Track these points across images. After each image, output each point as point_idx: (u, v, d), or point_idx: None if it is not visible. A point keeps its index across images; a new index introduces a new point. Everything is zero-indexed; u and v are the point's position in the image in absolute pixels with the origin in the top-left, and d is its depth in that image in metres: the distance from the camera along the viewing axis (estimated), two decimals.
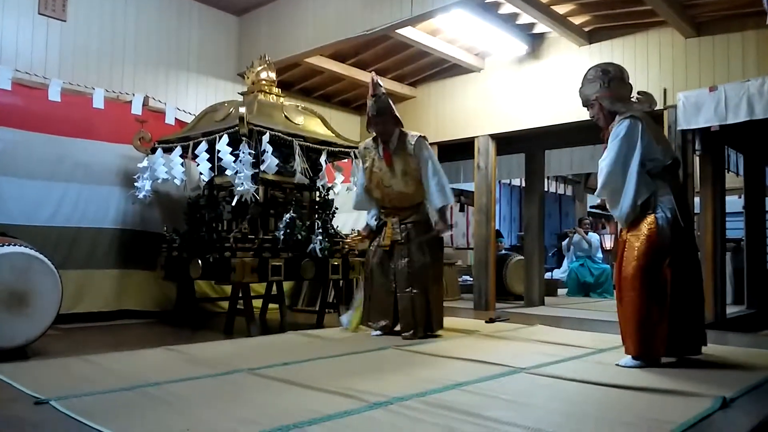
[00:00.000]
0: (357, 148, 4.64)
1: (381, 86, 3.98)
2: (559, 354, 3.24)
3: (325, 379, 2.49)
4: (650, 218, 2.94)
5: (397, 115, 4.00)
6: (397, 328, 3.96)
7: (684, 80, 4.95)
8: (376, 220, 4.17)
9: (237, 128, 3.92)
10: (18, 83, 4.45)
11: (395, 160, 3.96)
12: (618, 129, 3.02)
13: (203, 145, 4.15)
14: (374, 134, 4.06)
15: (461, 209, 10.58)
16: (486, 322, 4.89)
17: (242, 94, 4.76)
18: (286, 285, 5.45)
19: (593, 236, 9.28)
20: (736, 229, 7.53)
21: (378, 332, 3.98)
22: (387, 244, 3.97)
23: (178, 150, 4.36)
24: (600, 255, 9.17)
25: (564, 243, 9.75)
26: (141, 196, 4.49)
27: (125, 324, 4.56)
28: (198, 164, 4.20)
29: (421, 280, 3.88)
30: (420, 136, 4.00)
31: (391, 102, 3.98)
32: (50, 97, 4.54)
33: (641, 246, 2.92)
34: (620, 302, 3.01)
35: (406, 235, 3.94)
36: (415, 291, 3.86)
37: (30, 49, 4.74)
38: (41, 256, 3.09)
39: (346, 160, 4.85)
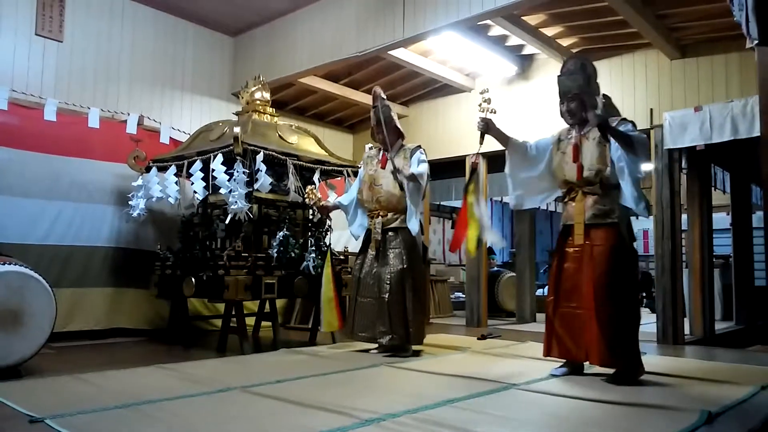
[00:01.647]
0: (350, 166, 4.71)
1: (383, 98, 4.09)
2: (550, 370, 3.27)
3: (318, 396, 2.52)
4: (616, 231, 3.04)
5: (399, 126, 4.12)
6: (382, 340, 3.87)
7: (670, 101, 5.06)
8: (346, 201, 4.23)
9: (231, 147, 3.97)
10: (14, 103, 4.50)
11: (390, 163, 4.04)
12: (629, 126, 3.05)
13: (198, 164, 4.19)
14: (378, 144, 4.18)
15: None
16: (478, 338, 4.92)
17: (237, 113, 4.82)
18: (279, 303, 5.47)
19: None
20: (724, 245, 7.63)
21: (375, 350, 3.98)
22: (373, 251, 4.02)
23: (173, 169, 4.40)
24: None
25: None
26: (135, 214, 4.53)
27: (118, 342, 4.56)
28: (192, 183, 4.25)
29: (396, 287, 3.85)
30: (418, 145, 4.10)
31: (392, 113, 4.10)
32: (46, 116, 4.59)
33: (620, 259, 3.00)
34: (593, 316, 2.96)
35: (386, 241, 3.97)
36: (391, 297, 3.85)
37: (26, 69, 4.80)
38: (36, 275, 3.10)
39: (339, 179, 4.91)
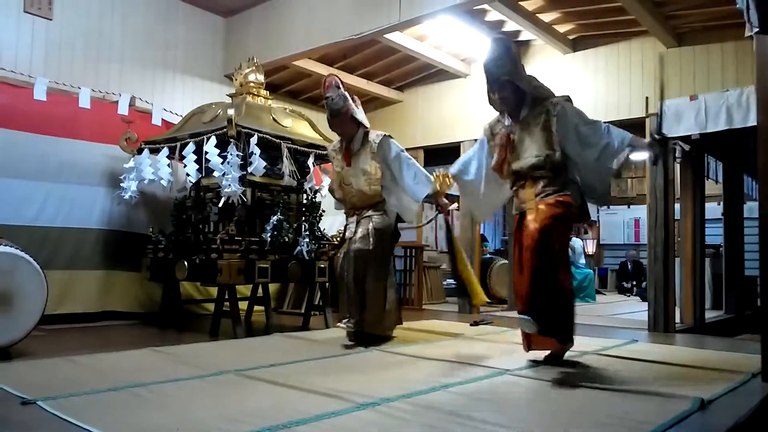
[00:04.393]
0: None
1: (338, 87, 3.73)
2: (542, 356, 3.28)
3: (312, 380, 2.52)
4: (567, 196, 3.02)
5: (356, 116, 3.76)
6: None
7: (665, 89, 5.05)
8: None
9: (225, 130, 3.92)
10: (2, 81, 4.42)
11: (356, 159, 3.79)
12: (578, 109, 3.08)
13: (191, 146, 4.15)
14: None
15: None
16: (470, 325, 4.91)
17: (230, 95, 4.76)
18: (272, 287, 5.45)
19: (576, 241, 9.37)
20: (715, 235, 7.67)
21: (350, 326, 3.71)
22: (345, 247, 3.78)
23: (165, 151, 4.35)
24: (583, 261, 9.26)
25: None
26: (127, 196, 4.48)
27: (109, 325, 4.53)
28: (185, 165, 4.20)
29: (357, 268, 3.62)
30: (384, 135, 3.82)
31: (349, 102, 3.73)
32: (36, 96, 4.50)
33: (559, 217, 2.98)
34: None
35: (357, 228, 3.75)
36: (350, 276, 3.63)
37: (15, 47, 4.70)
38: (27, 256, 3.06)
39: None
